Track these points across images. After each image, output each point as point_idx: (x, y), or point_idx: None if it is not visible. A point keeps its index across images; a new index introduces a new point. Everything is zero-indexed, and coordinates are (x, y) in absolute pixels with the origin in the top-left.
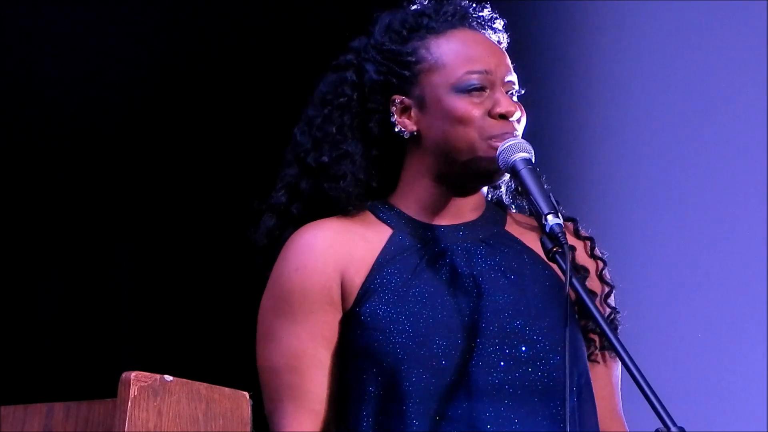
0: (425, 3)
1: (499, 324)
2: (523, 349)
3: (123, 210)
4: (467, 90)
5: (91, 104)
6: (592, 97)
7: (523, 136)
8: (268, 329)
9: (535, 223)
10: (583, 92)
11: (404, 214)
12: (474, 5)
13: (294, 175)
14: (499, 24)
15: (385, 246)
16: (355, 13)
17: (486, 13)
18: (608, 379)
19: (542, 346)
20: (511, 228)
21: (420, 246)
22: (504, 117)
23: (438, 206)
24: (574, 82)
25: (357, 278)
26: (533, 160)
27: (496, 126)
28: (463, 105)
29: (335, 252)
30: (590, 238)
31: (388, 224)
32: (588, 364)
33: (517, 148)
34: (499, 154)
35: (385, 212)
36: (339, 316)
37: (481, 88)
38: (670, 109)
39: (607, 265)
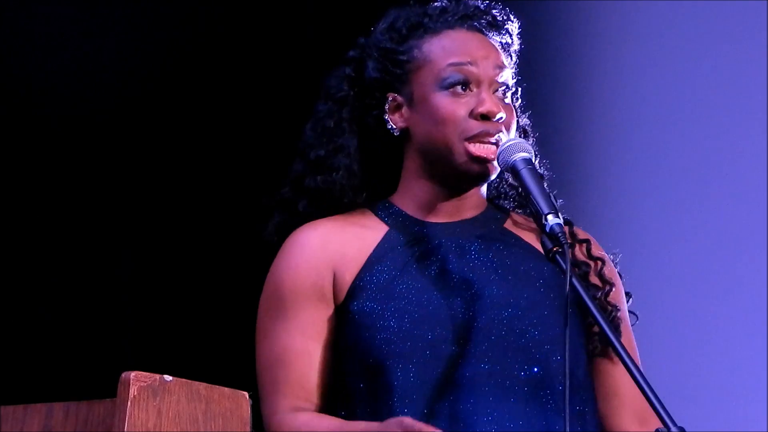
0: (435, 4)
1: (487, 316)
2: (511, 339)
3: (123, 210)
4: (450, 85)
5: (91, 109)
6: (591, 98)
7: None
8: (263, 328)
9: (535, 223)
10: (582, 92)
11: (402, 212)
12: (481, 7)
13: (299, 171)
14: (511, 26)
15: (378, 243)
16: (362, 9)
17: (494, 14)
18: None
19: (531, 336)
20: (511, 226)
21: (412, 243)
22: (486, 117)
23: (436, 205)
24: (573, 82)
25: (348, 275)
26: (533, 160)
27: (476, 126)
28: (446, 104)
29: (326, 250)
30: (587, 240)
31: (386, 222)
32: (608, 361)
33: (517, 148)
34: (500, 154)
35: (384, 210)
36: (331, 312)
37: (465, 83)
38: (670, 109)
39: (606, 264)
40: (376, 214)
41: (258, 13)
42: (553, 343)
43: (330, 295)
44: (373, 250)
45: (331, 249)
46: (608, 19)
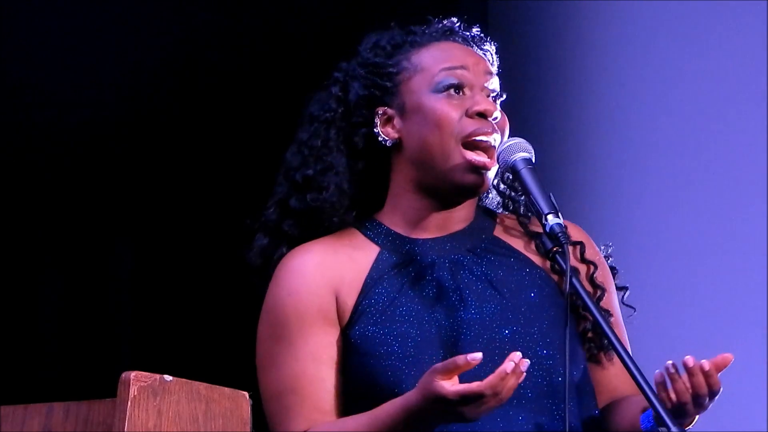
0: (414, 27)
1: (487, 335)
2: None
3: (123, 210)
4: (445, 88)
5: (89, 101)
6: (590, 98)
7: (522, 136)
8: (268, 356)
9: (523, 228)
10: (581, 93)
11: (391, 230)
12: (463, 24)
13: (283, 193)
14: (489, 45)
15: (372, 265)
16: (354, 31)
17: (475, 31)
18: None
19: (533, 353)
20: (501, 233)
21: (406, 263)
22: (482, 116)
23: (424, 220)
24: (572, 82)
25: (349, 300)
26: (533, 160)
27: (471, 124)
28: (440, 106)
29: (325, 274)
30: (580, 243)
31: (375, 242)
32: (598, 365)
33: (517, 148)
34: (500, 154)
35: (372, 230)
36: (338, 335)
37: (459, 87)
38: (669, 109)
39: (598, 268)
40: (365, 234)
41: (258, 27)
42: (555, 357)
43: (335, 318)
44: (368, 273)
45: (330, 272)
46: (607, 19)
